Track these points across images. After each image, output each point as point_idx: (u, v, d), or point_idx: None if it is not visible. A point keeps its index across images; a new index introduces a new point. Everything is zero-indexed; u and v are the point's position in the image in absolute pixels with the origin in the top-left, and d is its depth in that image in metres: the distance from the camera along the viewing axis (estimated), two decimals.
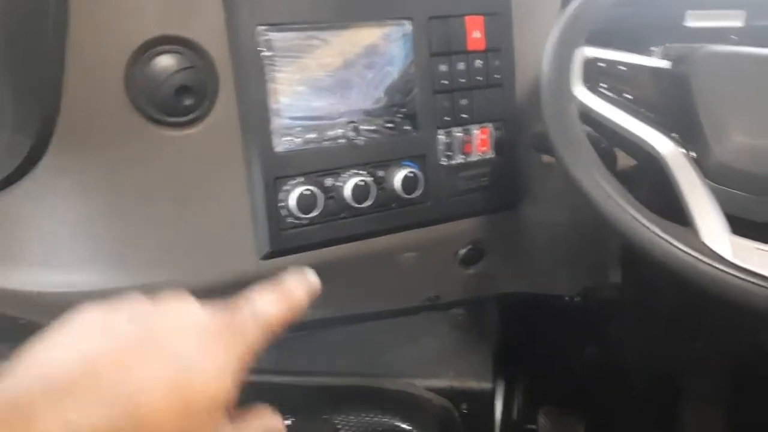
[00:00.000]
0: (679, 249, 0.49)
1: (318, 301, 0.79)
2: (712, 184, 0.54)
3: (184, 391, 0.29)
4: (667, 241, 0.49)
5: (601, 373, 0.99)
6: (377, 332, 0.85)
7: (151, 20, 0.56)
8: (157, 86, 0.58)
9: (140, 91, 0.57)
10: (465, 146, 0.73)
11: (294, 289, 0.36)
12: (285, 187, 0.64)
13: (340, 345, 0.84)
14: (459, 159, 0.73)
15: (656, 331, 0.87)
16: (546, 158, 0.79)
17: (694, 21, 0.78)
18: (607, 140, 0.63)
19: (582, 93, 0.58)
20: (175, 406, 0.29)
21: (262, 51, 0.61)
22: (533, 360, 1.00)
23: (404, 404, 0.80)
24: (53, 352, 0.29)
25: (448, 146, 0.72)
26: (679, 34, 0.76)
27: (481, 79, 0.73)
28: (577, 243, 0.83)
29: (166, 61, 0.58)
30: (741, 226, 0.51)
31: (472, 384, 0.84)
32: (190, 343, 0.30)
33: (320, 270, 0.70)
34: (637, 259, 0.83)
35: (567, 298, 0.94)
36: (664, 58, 0.64)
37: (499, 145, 0.75)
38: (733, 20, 0.78)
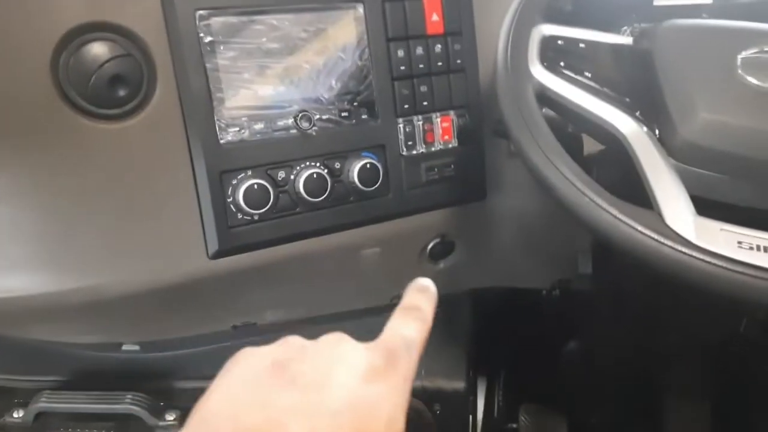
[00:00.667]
0: (641, 232, 0.46)
1: (275, 304, 0.76)
2: (678, 164, 0.51)
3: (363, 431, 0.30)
4: (628, 224, 0.46)
5: (581, 368, 0.96)
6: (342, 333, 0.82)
7: (80, 5, 0.53)
8: (88, 76, 0.54)
9: (70, 82, 0.54)
10: (427, 135, 0.70)
11: (423, 306, 0.38)
12: (233, 182, 0.60)
13: None
14: (421, 149, 0.70)
15: (631, 325, 0.84)
16: (514, 147, 0.76)
17: (664, 0, 0.75)
18: (569, 123, 0.60)
19: (539, 72, 0.55)
20: None
21: (203, 37, 0.58)
22: (512, 357, 0.97)
23: None
24: (239, 399, 0.30)
25: (409, 135, 0.69)
26: (649, 14, 0.73)
27: (441, 64, 0.70)
28: (549, 234, 0.80)
29: (97, 49, 0.54)
30: (707, 207, 0.48)
31: (445, 384, 0.81)
32: (358, 383, 0.31)
33: (276, 270, 0.68)
34: (606, 249, 0.80)
35: (544, 292, 0.91)
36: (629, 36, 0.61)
37: (463, 134, 0.72)
38: None
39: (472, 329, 0.90)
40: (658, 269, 0.46)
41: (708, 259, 0.44)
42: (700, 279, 0.44)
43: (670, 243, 0.45)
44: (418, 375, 0.87)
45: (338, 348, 0.33)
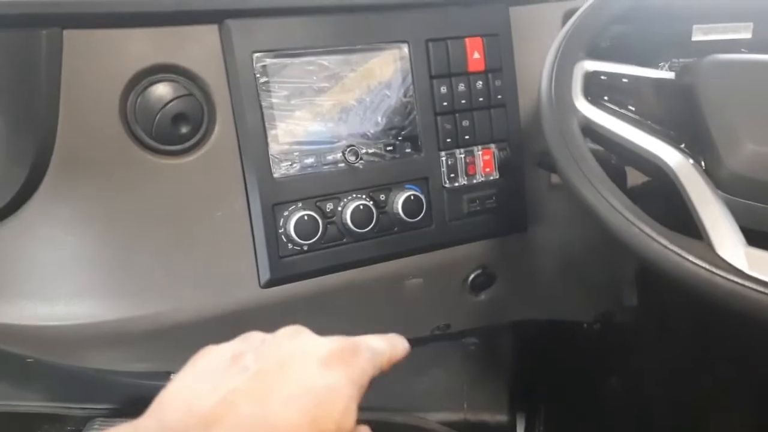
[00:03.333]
0: (693, 263, 0.46)
1: (320, 333, 0.77)
2: (725, 195, 0.51)
3: (318, 417, 0.30)
4: (679, 254, 0.47)
5: (624, 404, 0.94)
6: None
7: (145, 49, 0.57)
8: (153, 115, 0.57)
9: (136, 121, 0.57)
10: (468, 168, 0.72)
11: (394, 339, 0.38)
12: (284, 213, 0.63)
13: None
14: (463, 181, 0.71)
15: (678, 357, 0.83)
16: (555, 179, 0.78)
17: (702, 35, 0.76)
18: (614, 155, 0.61)
19: (584, 106, 0.56)
20: (310, 430, 0.30)
21: (259, 77, 0.61)
22: (553, 391, 0.96)
23: None
24: (193, 387, 0.31)
25: (451, 168, 0.71)
26: (688, 49, 0.74)
27: (482, 99, 0.72)
28: (591, 265, 0.80)
29: (161, 90, 0.58)
30: (757, 238, 0.48)
31: (487, 417, 0.81)
32: (315, 369, 0.32)
33: (322, 298, 0.69)
34: (653, 280, 0.80)
35: (585, 325, 0.91)
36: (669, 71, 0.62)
37: (504, 166, 0.73)
38: (742, 33, 0.77)
39: (513, 362, 0.90)
40: (711, 300, 0.46)
41: (761, 288, 0.44)
42: (754, 309, 0.44)
43: (722, 273, 0.45)
44: (459, 407, 0.87)
45: (297, 339, 0.34)
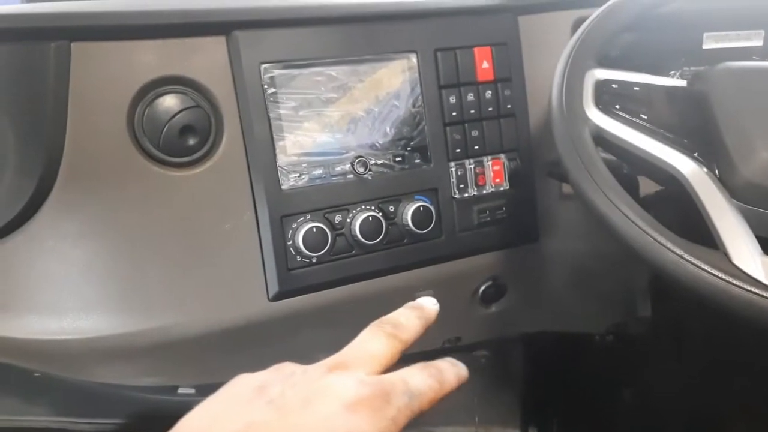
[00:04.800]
0: (709, 273, 0.45)
1: (330, 346, 0.76)
2: (740, 204, 0.50)
3: None
4: (695, 264, 0.46)
5: (638, 417, 0.92)
6: None
7: (153, 61, 0.57)
8: (161, 127, 0.57)
9: (144, 133, 0.57)
10: (478, 178, 0.71)
11: (445, 370, 0.35)
12: (293, 225, 0.62)
13: None
14: (472, 192, 0.71)
15: (692, 369, 0.81)
16: (566, 188, 0.77)
17: (713, 43, 0.76)
18: (626, 164, 0.60)
19: (595, 115, 0.56)
20: None
21: (267, 88, 0.61)
22: (566, 404, 0.95)
23: None
24: (214, 414, 0.31)
25: (461, 179, 0.70)
26: (699, 57, 0.74)
27: (491, 109, 0.71)
28: (604, 276, 0.79)
29: (168, 102, 0.58)
30: None
31: (499, 431, 0.79)
32: (339, 412, 0.31)
33: (331, 312, 0.68)
34: (667, 291, 0.79)
35: (597, 337, 0.90)
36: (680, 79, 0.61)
37: (514, 177, 0.73)
38: (753, 40, 0.76)
39: (525, 375, 0.89)
40: (727, 310, 0.45)
41: None
42: None
43: (739, 283, 0.44)
44: (471, 421, 0.86)
45: (327, 376, 0.32)
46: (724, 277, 0.45)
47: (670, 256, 0.46)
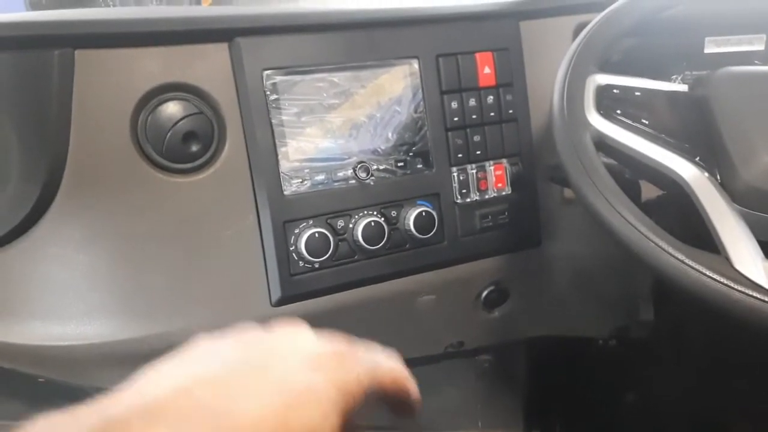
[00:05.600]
0: (710, 278, 0.45)
1: None
2: (741, 208, 0.50)
3: (289, 418, 0.27)
4: (696, 269, 0.46)
5: (641, 421, 0.92)
6: None
7: (156, 69, 0.57)
8: (164, 133, 0.58)
9: (147, 139, 0.58)
10: (480, 183, 0.71)
11: (408, 381, 0.33)
12: (295, 231, 0.62)
13: None
14: (475, 196, 0.71)
15: (695, 372, 0.81)
16: (568, 193, 0.77)
17: (714, 47, 0.76)
18: (628, 169, 0.60)
19: (596, 120, 0.56)
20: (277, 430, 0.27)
21: (269, 94, 0.61)
22: (569, 409, 0.95)
23: None
24: (157, 376, 0.29)
25: (463, 184, 0.70)
26: (700, 62, 0.74)
27: (493, 114, 0.71)
28: (606, 281, 0.79)
29: (171, 109, 0.58)
30: None
31: None
32: (297, 368, 0.29)
33: (334, 316, 0.69)
34: (669, 294, 0.79)
35: (600, 342, 0.89)
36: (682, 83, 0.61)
37: (516, 181, 0.73)
38: (755, 45, 0.76)
39: (528, 380, 0.89)
40: (729, 314, 0.45)
41: None
42: None
43: (740, 288, 0.44)
44: (473, 426, 0.86)
45: (290, 334, 0.31)
46: (725, 281, 0.45)
47: (671, 261, 0.46)
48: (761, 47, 0.75)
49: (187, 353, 0.30)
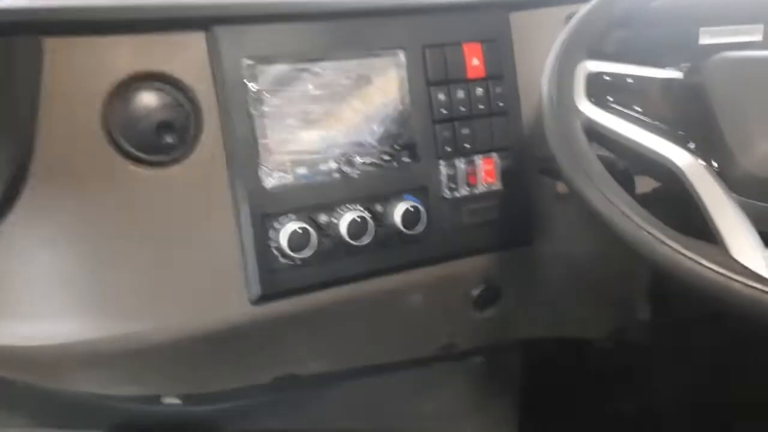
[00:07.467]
0: (708, 267, 0.43)
1: (318, 353, 0.74)
2: (739, 198, 0.48)
3: None
4: (692, 259, 0.43)
5: (640, 427, 0.89)
6: (386, 385, 0.78)
7: (129, 57, 0.55)
8: (137, 124, 0.55)
9: (119, 130, 0.55)
10: (469, 177, 0.69)
11: None
12: (275, 225, 0.60)
13: (346, 401, 0.78)
14: (464, 191, 0.69)
15: (696, 375, 0.78)
16: (561, 188, 0.75)
17: (710, 38, 0.74)
18: (620, 158, 0.58)
19: (587, 108, 0.54)
20: None
21: (249, 85, 0.59)
22: (564, 414, 0.92)
23: None
24: None
25: (451, 178, 0.68)
26: (695, 53, 0.72)
27: (482, 107, 0.69)
28: (601, 279, 0.77)
29: (145, 98, 0.56)
30: None
31: None
32: None
33: (317, 316, 0.66)
34: (667, 293, 0.76)
35: (596, 344, 0.87)
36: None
37: (506, 176, 0.71)
38: (752, 35, 0.74)
39: (521, 383, 0.86)
40: (728, 307, 0.43)
41: None
42: None
43: (740, 278, 0.42)
44: (465, 430, 0.83)
45: None
46: (723, 271, 0.42)
47: (665, 251, 0.44)
48: (759, 38, 0.73)
49: None
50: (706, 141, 0.52)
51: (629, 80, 0.56)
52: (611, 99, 0.55)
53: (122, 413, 0.79)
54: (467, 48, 0.68)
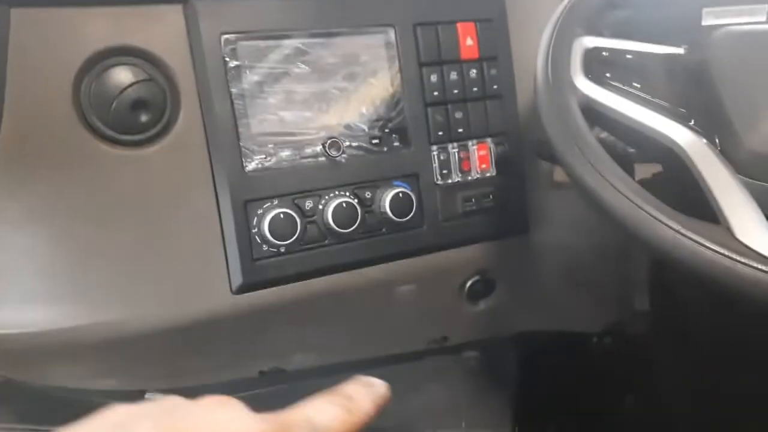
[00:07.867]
0: (711, 249, 0.40)
1: (304, 346, 0.71)
2: (744, 178, 0.45)
3: None
4: (694, 240, 0.40)
5: (641, 423, 0.86)
6: None
7: (101, 30, 0.52)
8: (110, 101, 0.53)
9: (91, 108, 0.53)
10: (462, 163, 0.66)
11: (356, 396, 0.30)
12: (258, 211, 0.57)
13: None
14: (457, 178, 0.66)
15: (699, 369, 0.75)
16: (558, 176, 0.72)
17: (713, 19, 0.71)
18: (618, 138, 0.55)
19: (584, 85, 0.51)
20: None
21: (228, 61, 0.56)
22: (562, 409, 0.89)
23: None
24: None
25: (444, 164, 0.65)
26: (698, 35, 0.69)
27: (476, 90, 0.66)
28: (599, 270, 0.74)
29: (119, 74, 0.53)
30: None
31: None
32: None
33: (303, 307, 0.63)
34: (667, 284, 0.73)
35: (594, 337, 0.84)
36: None
37: (501, 162, 0.68)
38: (756, 15, 0.71)
39: (517, 377, 0.83)
40: (731, 290, 0.40)
41: None
42: None
43: (743, 259, 0.39)
44: (458, 426, 0.80)
45: (215, 412, 0.27)
46: (727, 253, 0.39)
47: (665, 232, 0.41)
48: (763, 18, 0.70)
49: (95, 424, 0.26)
50: (709, 119, 0.49)
51: (628, 56, 0.53)
52: (609, 75, 0.52)
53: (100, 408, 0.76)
54: (461, 27, 0.66)
